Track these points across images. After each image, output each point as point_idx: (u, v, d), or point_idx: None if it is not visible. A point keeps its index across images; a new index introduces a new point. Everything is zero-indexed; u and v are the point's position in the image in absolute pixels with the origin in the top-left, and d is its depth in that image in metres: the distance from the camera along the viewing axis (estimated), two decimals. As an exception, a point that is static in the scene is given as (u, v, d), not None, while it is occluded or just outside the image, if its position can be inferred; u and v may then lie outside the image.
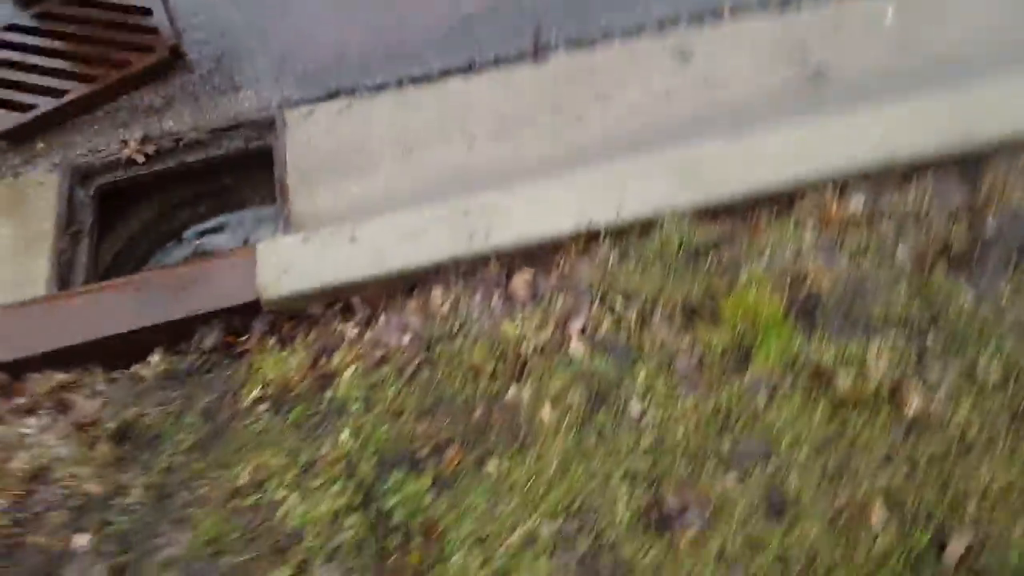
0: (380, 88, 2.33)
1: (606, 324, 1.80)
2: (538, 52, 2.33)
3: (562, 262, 1.93)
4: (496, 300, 1.88)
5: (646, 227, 1.92)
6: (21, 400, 1.89)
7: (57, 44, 2.52)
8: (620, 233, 1.93)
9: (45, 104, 2.37)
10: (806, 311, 1.76)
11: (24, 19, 2.56)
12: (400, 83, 2.32)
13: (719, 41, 2.30)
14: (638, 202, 1.93)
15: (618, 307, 1.82)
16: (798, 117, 2.03)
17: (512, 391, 1.73)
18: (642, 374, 1.71)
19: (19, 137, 2.34)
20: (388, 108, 2.28)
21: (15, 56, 2.49)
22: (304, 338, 1.89)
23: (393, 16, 2.51)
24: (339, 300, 1.92)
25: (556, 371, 1.74)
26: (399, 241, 1.91)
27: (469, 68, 2.33)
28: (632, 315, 1.81)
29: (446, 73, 2.33)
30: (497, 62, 2.33)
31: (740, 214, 1.93)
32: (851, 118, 1.97)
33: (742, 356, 1.71)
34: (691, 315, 1.79)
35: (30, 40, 2.50)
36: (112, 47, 2.47)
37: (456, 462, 1.64)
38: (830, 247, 1.85)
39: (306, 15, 2.57)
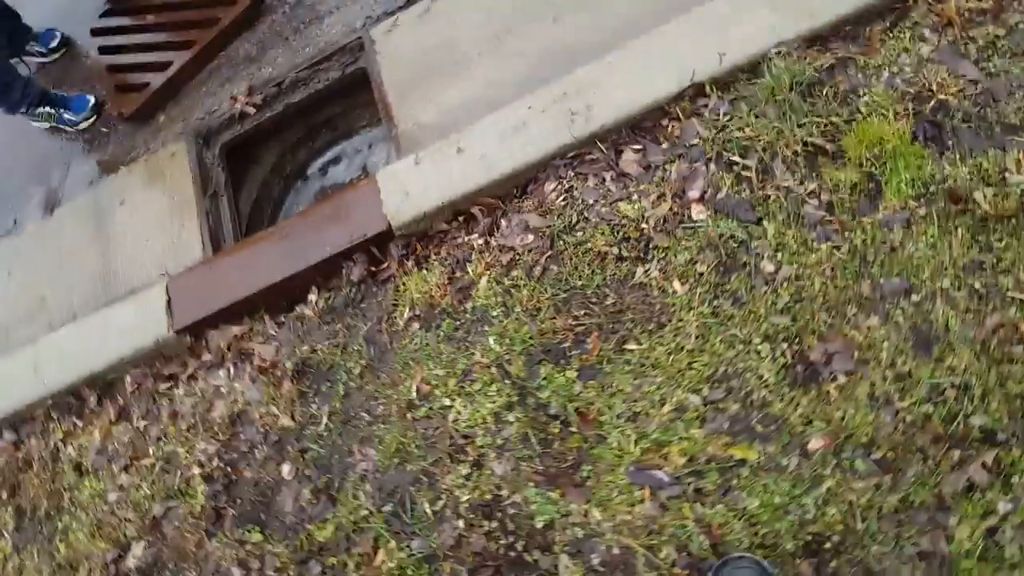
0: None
1: (726, 183, 1.75)
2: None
3: (670, 126, 1.86)
4: (609, 181, 1.87)
5: (752, 68, 1.81)
6: (208, 356, 2.15)
7: (150, 19, 2.63)
8: (726, 82, 1.83)
9: (155, 80, 2.53)
10: (934, 130, 1.61)
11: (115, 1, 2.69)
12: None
13: None
14: (740, 43, 1.81)
15: (735, 162, 1.76)
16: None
17: (640, 271, 1.75)
18: (770, 229, 1.67)
19: (142, 116, 2.52)
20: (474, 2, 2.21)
21: (118, 40, 2.64)
22: (437, 255, 1.99)
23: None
24: (461, 212, 1.99)
25: (681, 242, 1.73)
26: (503, 141, 1.93)
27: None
28: (751, 168, 1.74)
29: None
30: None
31: (850, 32, 1.76)
32: None
33: (872, 191, 1.62)
34: (813, 157, 1.70)
35: (126, 21, 2.63)
36: (198, 8, 2.55)
37: (598, 350, 1.71)
38: (953, 51, 1.66)
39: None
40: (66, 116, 2.67)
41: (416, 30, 2.27)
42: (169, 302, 2.14)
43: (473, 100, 2.14)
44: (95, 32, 2.69)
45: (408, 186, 1.99)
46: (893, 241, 1.56)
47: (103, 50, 2.69)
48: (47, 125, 2.71)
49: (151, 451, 2.11)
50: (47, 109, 2.64)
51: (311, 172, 2.66)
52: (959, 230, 1.52)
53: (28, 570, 2.14)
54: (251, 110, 2.40)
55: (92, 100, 2.68)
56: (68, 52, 2.87)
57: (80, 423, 2.25)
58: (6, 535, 2.21)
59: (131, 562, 2.00)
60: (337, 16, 2.43)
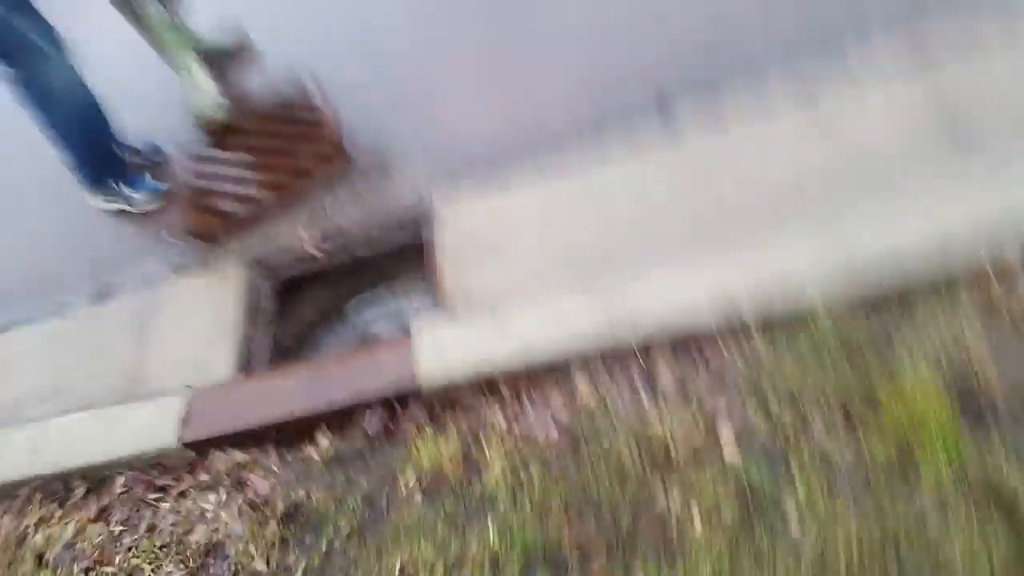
0: (520, 175, 2.36)
1: (761, 429, 1.70)
2: (669, 129, 2.26)
3: (712, 354, 1.86)
4: (642, 393, 1.85)
5: (802, 318, 1.81)
6: (204, 477, 2.10)
7: (246, 157, 2.80)
8: (773, 324, 1.83)
9: (237, 210, 2.63)
10: (975, 412, 1.57)
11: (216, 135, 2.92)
12: (540, 169, 2.35)
13: (854, 105, 2.11)
14: (793, 290, 1.82)
15: (772, 407, 1.73)
16: (950, 187, 1.85)
17: (661, 499, 1.67)
18: (801, 491, 1.60)
19: (215, 239, 2.62)
20: (528, 194, 2.31)
21: (213, 168, 2.80)
22: (457, 425, 1.95)
23: (531, 106, 2.56)
24: (489, 388, 1.97)
25: (709, 481, 1.66)
26: (543, 328, 1.93)
27: (605, 150, 2.30)
28: (787, 417, 1.70)
29: (583, 157, 2.31)
30: (629, 137, 2.29)
31: (896, 299, 1.77)
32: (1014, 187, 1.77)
33: (908, 468, 1.55)
34: (851, 417, 1.66)
35: (223, 154, 2.81)
36: (294, 157, 2.69)
37: (601, 572, 1.60)
38: (999, 334, 1.64)
39: (454, 108, 2.69)
40: (136, 194, 2.82)
41: (477, 209, 2.34)
42: (187, 414, 2.12)
43: (520, 286, 2.17)
44: (196, 158, 2.87)
45: (443, 351, 1.99)
46: (927, 528, 1.47)
47: (197, 174, 2.82)
48: (112, 206, 2.87)
49: (117, 560, 2.01)
50: (122, 187, 2.81)
51: (353, 317, 2.69)
52: (998, 530, 1.43)
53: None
54: (317, 253, 2.47)
55: (161, 185, 2.85)
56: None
57: (59, 512, 2.17)
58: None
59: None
60: (409, 185, 2.52)
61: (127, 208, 2.85)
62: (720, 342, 1.84)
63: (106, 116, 2.72)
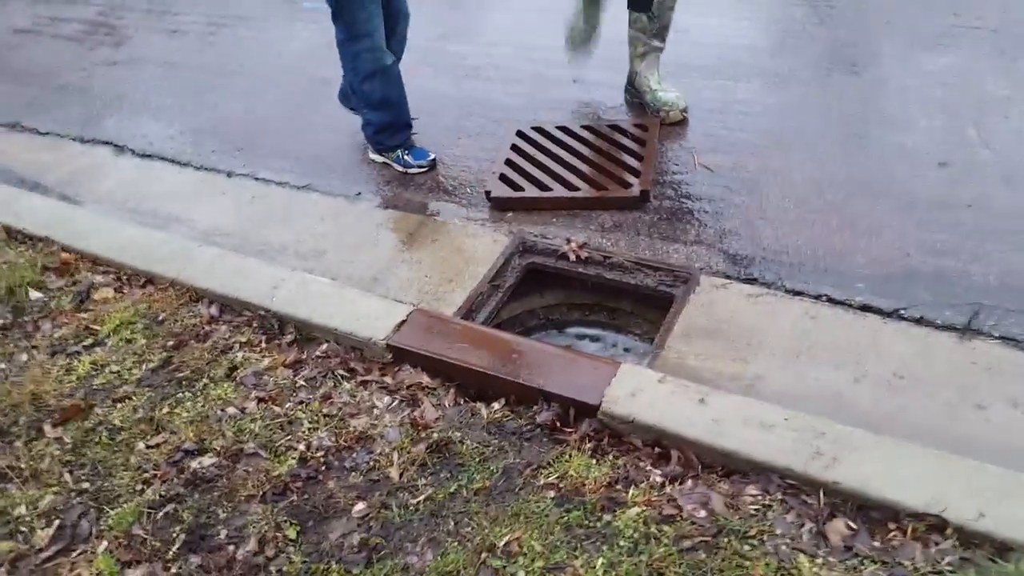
0: (797, 293, 2.40)
1: (912, 623, 1.58)
2: (967, 331, 2.19)
3: (892, 534, 1.75)
4: (806, 531, 1.77)
5: (1002, 548, 1.66)
6: (388, 380, 2.30)
7: (564, 154, 3.12)
8: (969, 539, 1.69)
9: (531, 191, 2.96)
10: None
11: (574, 127, 3.33)
12: (818, 298, 2.37)
13: None
14: (1007, 519, 1.67)
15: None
16: None
17: (776, 625, 1.60)
18: None
19: (502, 206, 2.94)
20: (795, 313, 2.33)
21: (534, 152, 3.16)
22: (615, 459, 1.98)
23: (841, 238, 2.60)
24: (661, 445, 1.99)
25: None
26: (742, 425, 1.93)
27: (890, 314, 2.28)
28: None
29: (866, 308, 2.31)
30: (920, 322, 2.25)
31: None
32: None
33: None
34: None
35: (539, 154, 3.17)
36: (603, 174, 2.98)
37: (686, 650, 1.56)
38: None
39: (761, 207, 2.80)
40: (408, 159, 3.25)
41: (738, 301, 2.42)
42: (403, 322, 2.35)
43: (739, 379, 2.19)
44: (514, 147, 3.25)
45: (638, 391, 2.04)
46: None
47: (513, 147, 3.21)
48: (385, 160, 3.35)
49: (287, 406, 2.25)
50: (396, 153, 3.27)
51: (570, 332, 2.83)
52: None
53: (129, 403, 2.32)
54: (572, 257, 2.67)
55: (432, 156, 3.26)
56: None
57: (265, 345, 2.48)
58: (143, 369, 2.44)
59: (195, 463, 2.09)
60: (686, 248, 2.66)
61: (399, 168, 3.29)
62: (910, 528, 1.73)
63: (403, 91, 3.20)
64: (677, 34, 3.87)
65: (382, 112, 3.17)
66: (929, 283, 2.38)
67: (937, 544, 1.70)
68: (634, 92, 3.50)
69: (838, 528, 1.76)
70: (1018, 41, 3.64)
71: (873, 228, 2.63)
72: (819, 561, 1.70)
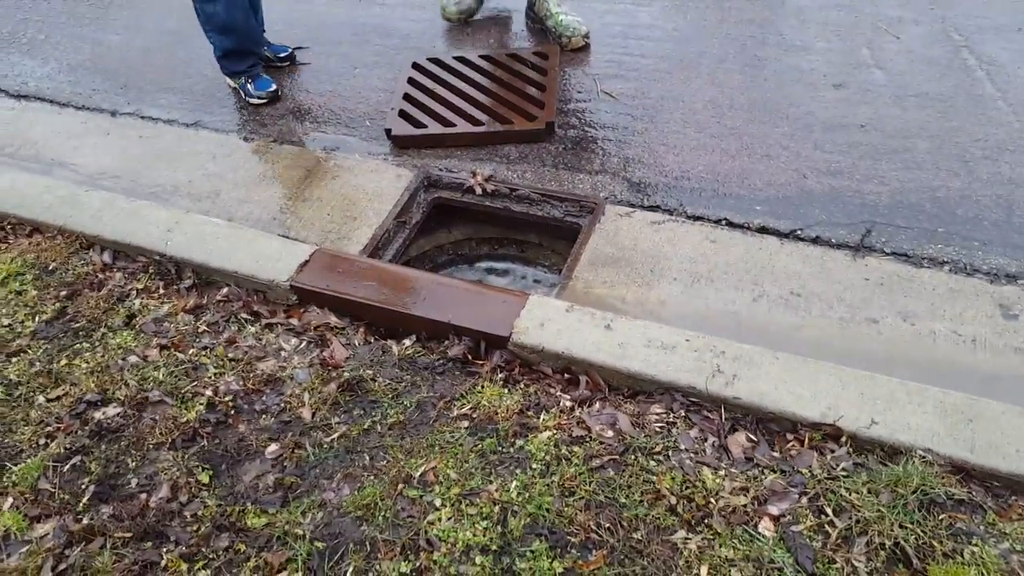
0: (697, 219, 2.46)
1: (805, 522, 1.68)
2: (860, 249, 2.30)
3: (792, 443, 1.85)
4: (708, 445, 1.86)
5: (891, 452, 1.78)
6: (294, 322, 2.25)
7: (464, 89, 3.05)
8: (862, 445, 1.81)
9: (433, 128, 2.88)
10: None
11: (472, 57, 3.24)
12: (718, 222, 2.43)
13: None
14: (896, 426, 1.80)
15: (826, 513, 1.70)
16: None
17: (681, 534, 1.68)
18: (819, 590, 1.57)
19: (403, 145, 2.88)
20: (696, 238, 2.39)
21: (429, 85, 3.07)
22: (526, 387, 2.02)
23: (740, 162, 2.66)
24: (570, 372, 2.03)
25: (734, 540, 1.66)
26: (645, 347, 1.98)
27: (787, 235, 2.37)
28: (836, 529, 1.67)
29: (764, 230, 2.39)
30: (816, 241, 2.35)
31: (996, 489, 1.71)
32: None
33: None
34: (894, 562, 1.61)
35: (439, 88, 3.08)
36: (505, 107, 2.93)
37: (597, 567, 1.62)
38: None
39: (663, 133, 2.83)
40: (249, 88, 3.18)
41: (641, 228, 2.45)
42: (306, 263, 2.29)
43: (643, 304, 2.25)
44: (411, 81, 3.15)
45: (547, 321, 2.07)
46: None
47: (411, 81, 3.12)
48: (235, 86, 3.27)
49: (190, 352, 2.18)
50: (241, 80, 3.20)
51: (479, 266, 2.83)
52: None
53: (25, 357, 2.20)
54: (478, 190, 2.64)
55: (274, 87, 3.20)
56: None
57: (163, 291, 2.38)
58: (37, 321, 2.31)
59: (99, 414, 2.01)
60: (590, 178, 2.67)
61: (243, 96, 3.21)
62: (807, 437, 1.83)
63: (260, 18, 3.12)
64: (578, -43, 3.79)
65: (224, 37, 3.06)
66: (824, 203, 2.47)
67: (832, 452, 1.81)
68: (534, 17, 3.44)
69: (739, 441, 1.86)
70: (908, -36, 3.74)
71: (771, 151, 2.70)
72: (721, 472, 1.79)
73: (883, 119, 2.78)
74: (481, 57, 3.24)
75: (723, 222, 2.45)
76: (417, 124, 2.90)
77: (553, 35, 3.33)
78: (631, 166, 2.71)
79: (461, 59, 3.24)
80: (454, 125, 2.88)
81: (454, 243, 2.83)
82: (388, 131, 2.88)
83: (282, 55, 3.40)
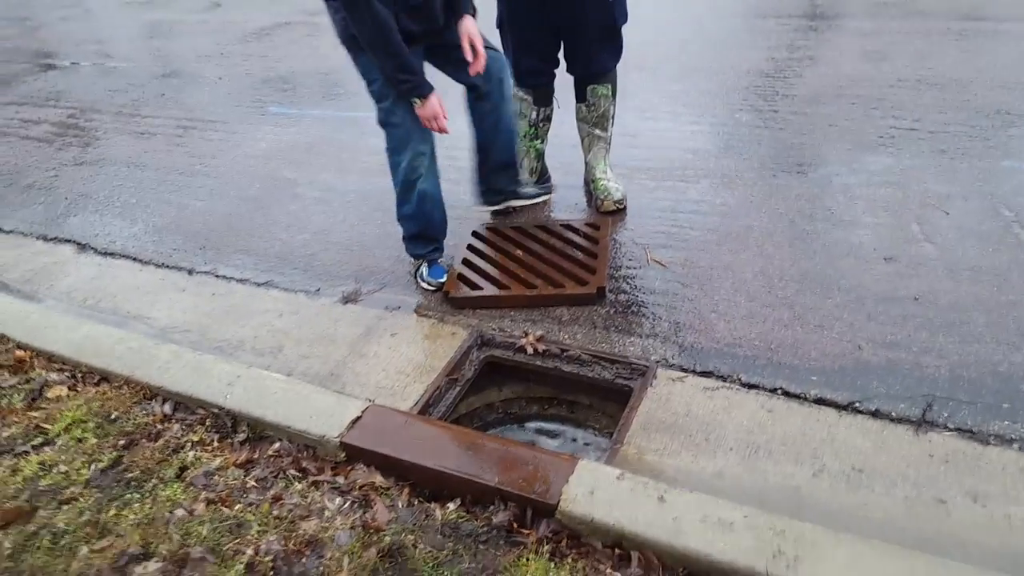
0: (752, 387, 2.42)
1: None
2: (922, 424, 2.22)
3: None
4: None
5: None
6: (341, 480, 2.24)
7: (518, 253, 3.21)
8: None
9: (489, 290, 3.00)
10: None
11: (527, 226, 3.43)
12: (773, 391, 2.39)
13: None
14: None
15: None
16: None
17: None
18: None
19: (461, 305, 3.00)
20: (752, 406, 2.35)
21: (485, 250, 3.24)
22: (574, 562, 1.93)
23: (793, 331, 2.65)
24: (621, 546, 1.95)
25: None
26: (701, 523, 1.89)
27: (845, 407, 2.31)
28: None
29: (821, 401, 2.34)
30: (876, 415, 2.27)
31: None
32: None
33: None
34: None
35: (492, 252, 3.27)
36: (558, 271, 3.05)
37: None
38: None
39: (713, 301, 2.86)
40: (423, 271, 3.19)
41: (694, 394, 2.42)
42: (357, 419, 2.31)
43: (698, 474, 2.18)
44: (470, 247, 3.32)
45: (598, 489, 2.01)
46: None
47: (470, 247, 3.29)
48: (413, 270, 3.27)
49: (236, 507, 2.17)
50: (422, 264, 3.22)
51: (528, 426, 2.80)
52: None
53: (76, 505, 2.23)
54: (530, 350, 2.67)
55: (445, 278, 3.15)
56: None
57: (217, 444, 2.41)
58: (92, 469, 2.35)
59: (139, 568, 1.99)
60: (642, 342, 2.69)
61: (418, 281, 3.24)
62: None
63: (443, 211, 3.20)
64: (629, 138, 4.06)
65: (409, 222, 3.17)
66: (882, 376, 2.42)
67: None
68: (586, 181, 3.74)
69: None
70: (954, 141, 3.87)
71: (824, 322, 2.69)
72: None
73: (937, 292, 2.77)
74: (536, 227, 3.41)
75: (779, 391, 2.41)
76: (474, 286, 3.02)
77: (595, 198, 3.59)
78: (682, 331, 2.72)
79: (517, 228, 3.42)
80: (508, 288, 2.99)
81: (504, 401, 2.83)
82: (446, 293, 3.00)
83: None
